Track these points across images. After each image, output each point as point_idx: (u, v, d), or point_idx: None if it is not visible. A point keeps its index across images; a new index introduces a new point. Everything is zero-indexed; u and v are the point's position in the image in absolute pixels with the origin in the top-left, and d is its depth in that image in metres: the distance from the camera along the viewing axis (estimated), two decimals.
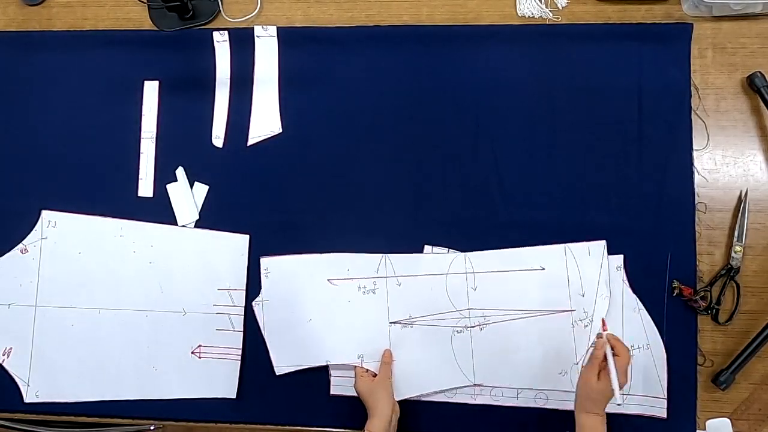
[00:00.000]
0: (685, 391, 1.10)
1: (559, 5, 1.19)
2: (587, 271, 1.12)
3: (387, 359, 1.11)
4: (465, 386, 1.12)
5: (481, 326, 1.12)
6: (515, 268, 1.13)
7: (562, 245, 1.13)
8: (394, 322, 1.14)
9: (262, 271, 1.16)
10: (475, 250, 1.14)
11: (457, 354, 1.12)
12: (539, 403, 1.11)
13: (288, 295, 1.15)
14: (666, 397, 1.09)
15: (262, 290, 1.16)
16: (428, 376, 1.12)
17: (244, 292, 1.17)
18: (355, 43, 1.20)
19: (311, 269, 1.15)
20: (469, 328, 1.13)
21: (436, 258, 1.15)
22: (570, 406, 1.07)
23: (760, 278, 1.12)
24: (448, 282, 1.14)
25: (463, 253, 1.14)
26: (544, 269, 1.13)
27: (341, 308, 1.14)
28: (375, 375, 1.11)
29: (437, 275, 1.14)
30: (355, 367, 1.12)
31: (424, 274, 1.14)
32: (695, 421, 1.09)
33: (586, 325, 1.10)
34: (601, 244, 1.12)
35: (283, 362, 1.14)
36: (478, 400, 1.12)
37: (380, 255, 1.15)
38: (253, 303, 1.16)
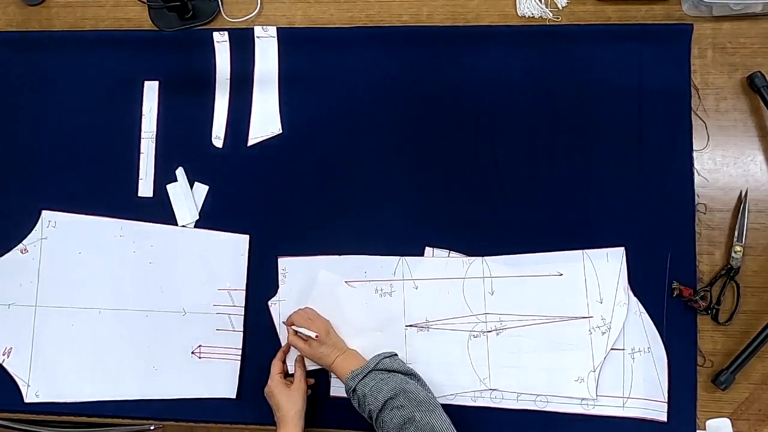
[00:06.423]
0: (685, 391, 1.09)
1: (559, 5, 1.19)
2: (605, 278, 1.11)
3: (302, 362, 1.11)
4: (481, 390, 1.11)
5: (498, 331, 1.12)
6: (533, 273, 1.12)
7: (581, 251, 1.12)
8: (411, 326, 1.14)
9: (280, 271, 1.16)
10: (475, 251, 1.14)
11: (474, 358, 1.12)
12: (539, 406, 1.10)
13: (305, 296, 1.15)
14: (666, 401, 1.09)
15: (279, 290, 1.16)
16: (444, 380, 1.11)
17: (244, 292, 1.17)
18: (355, 43, 1.20)
19: (329, 270, 1.15)
20: (485, 333, 1.12)
21: (453, 262, 1.14)
22: (573, 409, 1.09)
23: (760, 278, 1.12)
24: (466, 286, 1.13)
25: (480, 258, 1.13)
26: (562, 275, 1.12)
27: (358, 310, 1.13)
28: (287, 377, 1.11)
29: (454, 279, 1.13)
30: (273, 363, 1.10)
31: (442, 278, 1.14)
32: (695, 423, 1.09)
33: (604, 332, 1.09)
34: (619, 251, 1.11)
35: None
36: (478, 402, 1.12)
37: (397, 258, 1.15)
38: (269, 303, 1.16)
